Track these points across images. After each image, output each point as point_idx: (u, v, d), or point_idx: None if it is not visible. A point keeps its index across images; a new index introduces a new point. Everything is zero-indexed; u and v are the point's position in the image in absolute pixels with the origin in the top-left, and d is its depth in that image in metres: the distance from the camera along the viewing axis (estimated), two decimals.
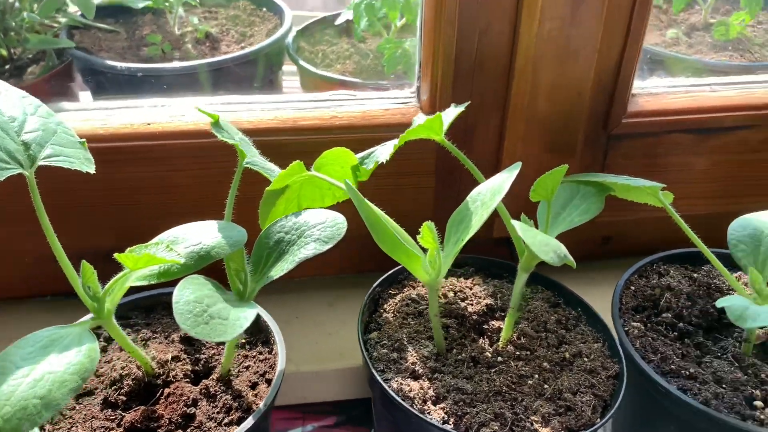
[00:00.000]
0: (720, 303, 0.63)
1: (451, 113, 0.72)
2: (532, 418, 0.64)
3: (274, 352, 0.71)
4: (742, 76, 0.94)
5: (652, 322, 0.77)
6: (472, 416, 0.63)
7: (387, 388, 0.65)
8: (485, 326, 0.75)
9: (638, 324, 0.76)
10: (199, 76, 1.03)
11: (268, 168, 0.70)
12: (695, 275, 0.81)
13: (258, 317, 0.75)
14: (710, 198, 0.98)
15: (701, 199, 0.98)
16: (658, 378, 0.68)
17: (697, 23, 1.19)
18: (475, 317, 0.75)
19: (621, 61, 0.83)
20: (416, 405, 0.64)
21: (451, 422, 0.63)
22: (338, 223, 0.64)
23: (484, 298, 0.78)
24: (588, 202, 0.72)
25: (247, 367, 0.72)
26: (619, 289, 0.79)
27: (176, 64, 1.13)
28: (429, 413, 0.64)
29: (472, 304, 0.77)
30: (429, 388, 0.66)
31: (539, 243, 0.56)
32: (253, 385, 0.69)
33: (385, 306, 0.76)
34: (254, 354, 0.73)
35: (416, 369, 0.67)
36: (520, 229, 0.58)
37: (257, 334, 0.75)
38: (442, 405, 0.64)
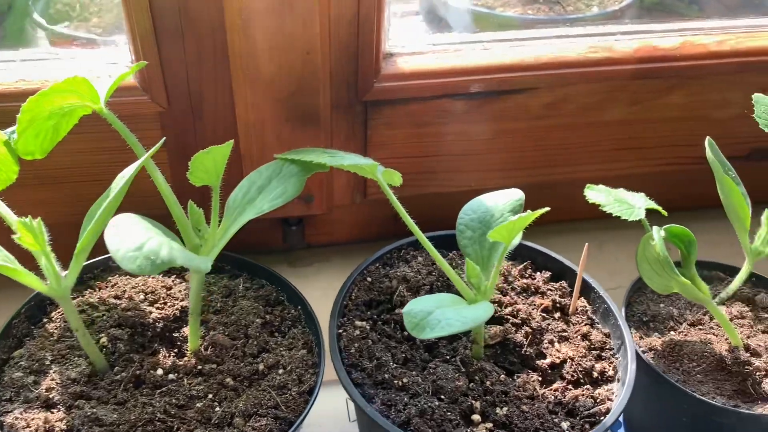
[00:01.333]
0: (406, 307, 0.52)
1: (113, 76, 0.58)
2: None
3: None
4: (524, 32, 0.83)
5: (382, 319, 0.67)
6: None
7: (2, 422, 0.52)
8: (176, 334, 0.63)
9: (363, 323, 0.65)
10: None
11: None
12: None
13: None
14: (501, 171, 0.88)
15: (489, 172, 0.88)
16: (356, 395, 0.57)
17: None
18: (162, 325, 0.63)
19: (357, 14, 0.70)
20: None
21: None
22: None
23: (183, 300, 0.65)
24: (285, 185, 0.60)
25: None
26: (350, 282, 0.68)
27: None
28: None
29: (162, 308, 0.64)
30: (60, 421, 0.53)
31: (126, 247, 0.43)
32: None
33: (54, 313, 0.63)
34: None
35: (51, 396, 0.55)
36: (109, 231, 0.45)
37: None
38: None
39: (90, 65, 0.73)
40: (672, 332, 0.71)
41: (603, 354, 0.64)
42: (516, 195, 0.63)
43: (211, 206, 0.57)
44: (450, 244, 0.70)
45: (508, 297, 0.68)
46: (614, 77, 0.81)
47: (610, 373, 0.62)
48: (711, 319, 0.72)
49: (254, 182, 0.61)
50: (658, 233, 0.64)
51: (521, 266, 0.72)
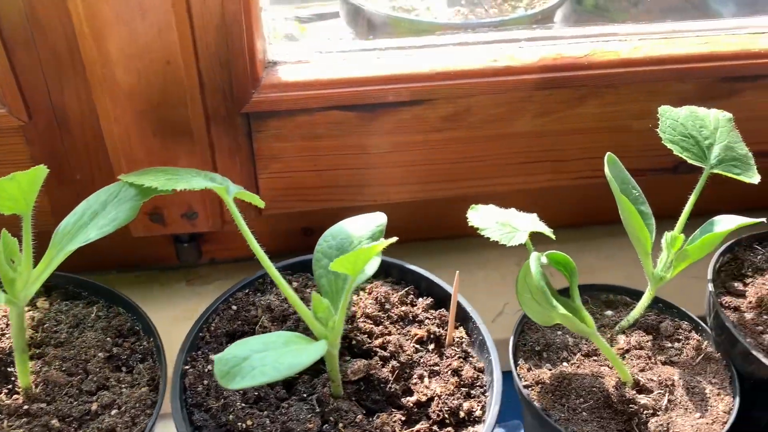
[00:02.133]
0: (219, 354, 0.47)
1: None
2: None
3: None
4: (419, 39, 0.78)
5: None
6: None
7: None
8: (11, 369, 0.58)
9: None
10: None
11: None
12: (308, 291, 0.66)
13: None
14: (403, 185, 0.83)
15: (391, 186, 0.83)
16: None
17: None
18: None
19: (224, 19, 0.65)
20: None
21: None
22: None
23: (27, 329, 0.61)
24: (117, 210, 0.55)
25: None
26: (210, 310, 0.63)
27: None
28: None
29: (0, 340, 0.60)
30: None
31: None
32: None
33: None
34: None
35: None
36: None
37: None
38: None
39: None
40: (564, 363, 0.66)
41: (473, 391, 0.59)
42: (378, 220, 0.58)
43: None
44: None
45: (381, 327, 0.63)
46: (518, 87, 0.76)
47: (478, 413, 0.57)
48: None
49: (90, 207, 0.56)
50: (537, 260, 0.60)
51: (402, 292, 0.67)
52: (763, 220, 0.63)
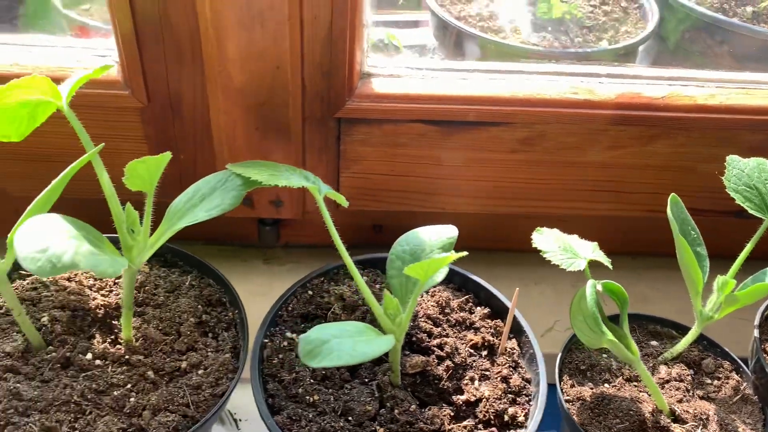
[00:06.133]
0: (305, 334, 0.54)
1: (77, 75, 0.62)
2: None
3: None
4: (505, 64, 0.83)
5: None
6: (16, 427, 0.55)
7: None
8: (115, 322, 0.67)
9: (294, 335, 0.68)
10: None
11: None
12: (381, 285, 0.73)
13: None
14: (474, 198, 0.89)
15: (461, 197, 0.88)
16: (261, 404, 0.60)
17: None
18: (103, 312, 0.67)
19: (331, 33, 0.72)
20: None
21: None
22: None
23: None
24: (224, 197, 0.62)
25: None
26: (289, 293, 0.71)
27: None
28: None
29: (107, 296, 0.68)
30: None
31: (31, 249, 0.47)
32: None
33: None
34: None
35: None
36: (19, 234, 0.48)
37: None
38: None
39: (79, 55, 0.77)
40: (606, 384, 0.71)
41: (518, 399, 0.65)
42: (449, 232, 0.64)
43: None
44: None
45: (439, 328, 0.69)
46: (594, 120, 0.81)
47: (521, 418, 0.63)
48: None
49: (199, 190, 0.64)
50: (592, 288, 0.64)
51: (463, 299, 0.73)
52: None
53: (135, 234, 0.59)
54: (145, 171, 0.57)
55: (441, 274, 0.61)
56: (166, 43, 0.73)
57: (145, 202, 0.59)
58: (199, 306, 0.69)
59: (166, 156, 0.58)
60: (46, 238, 0.48)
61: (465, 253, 0.56)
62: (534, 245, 0.68)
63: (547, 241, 0.69)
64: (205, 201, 0.63)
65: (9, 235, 0.57)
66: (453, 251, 0.60)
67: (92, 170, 0.66)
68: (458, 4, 1.06)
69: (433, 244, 0.63)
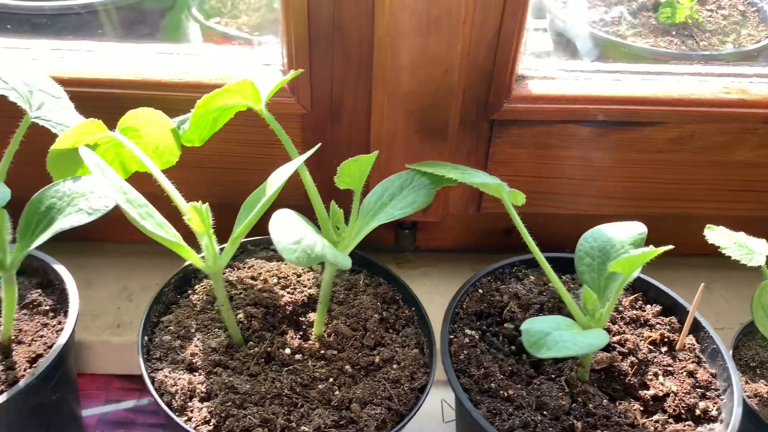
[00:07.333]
0: (524, 325, 0.55)
1: (274, 80, 0.64)
2: (303, 428, 0.57)
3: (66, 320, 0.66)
4: (657, 66, 0.84)
5: (491, 331, 0.70)
6: (236, 419, 0.57)
7: (147, 380, 0.59)
8: (302, 318, 0.69)
9: (473, 332, 0.69)
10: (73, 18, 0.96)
11: (64, 125, 0.63)
12: (551, 284, 0.73)
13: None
14: (617, 199, 0.89)
15: (605, 199, 0.89)
16: (463, 397, 0.61)
17: (648, 2, 1.07)
18: (291, 308, 0.68)
19: (498, 38, 0.73)
20: (176, 401, 0.58)
21: (212, 424, 0.57)
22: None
23: (311, 288, 0.71)
24: (415, 195, 0.64)
25: (41, 336, 0.67)
26: (462, 291, 0.72)
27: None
28: (191, 411, 0.58)
29: (292, 293, 0.70)
30: (201, 384, 0.60)
31: (288, 239, 0.49)
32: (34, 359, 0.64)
33: (197, 286, 0.70)
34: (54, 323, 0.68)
35: (194, 361, 0.61)
36: (274, 225, 0.50)
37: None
38: (209, 403, 0.58)
39: (245, 65, 0.80)
40: None
41: (708, 393, 0.65)
42: (639, 229, 0.65)
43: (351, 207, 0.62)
44: (561, 267, 0.73)
45: (616, 326, 0.70)
46: (745, 119, 0.81)
47: (714, 413, 0.63)
48: None
49: (387, 189, 0.65)
50: None
51: (632, 297, 0.74)
52: None
53: (340, 231, 0.61)
54: (357, 169, 0.59)
55: (638, 270, 0.62)
56: (335, 50, 0.75)
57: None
58: (378, 303, 0.70)
59: (374, 155, 0.59)
60: (297, 231, 0.50)
61: (671, 246, 0.57)
62: (710, 242, 0.69)
63: (723, 237, 0.69)
64: (395, 200, 0.64)
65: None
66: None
67: (245, 176, 0.67)
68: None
69: (623, 241, 0.64)
